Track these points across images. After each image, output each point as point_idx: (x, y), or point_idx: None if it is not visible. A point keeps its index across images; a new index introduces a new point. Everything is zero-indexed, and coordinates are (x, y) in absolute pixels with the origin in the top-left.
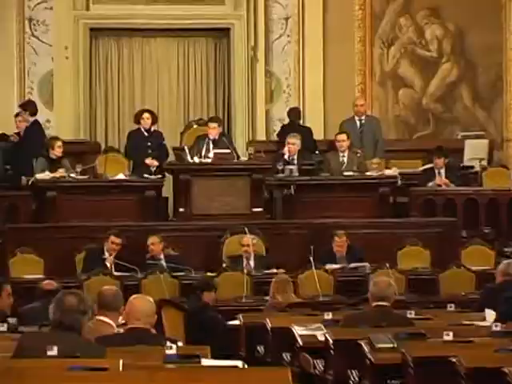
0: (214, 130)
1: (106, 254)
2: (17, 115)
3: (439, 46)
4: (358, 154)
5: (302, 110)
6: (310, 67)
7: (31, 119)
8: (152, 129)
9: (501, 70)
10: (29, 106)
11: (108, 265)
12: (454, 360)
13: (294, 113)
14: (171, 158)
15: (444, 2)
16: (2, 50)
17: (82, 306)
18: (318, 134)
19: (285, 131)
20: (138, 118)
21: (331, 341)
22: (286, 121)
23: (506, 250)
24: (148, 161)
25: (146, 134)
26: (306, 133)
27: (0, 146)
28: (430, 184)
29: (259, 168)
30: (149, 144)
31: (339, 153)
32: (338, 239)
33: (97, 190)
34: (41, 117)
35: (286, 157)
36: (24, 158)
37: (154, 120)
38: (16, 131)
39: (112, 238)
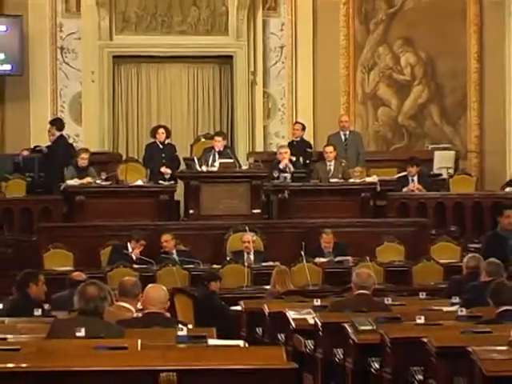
0: (219, 143)
1: (130, 250)
2: (49, 130)
3: (412, 71)
4: (343, 164)
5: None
6: (301, 89)
7: (57, 133)
8: (166, 142)
9: (465, 92)
10: (56, 122)
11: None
12: (425, 340)
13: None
14: (182, 166)
15: (416, 33)
16: (38, 74)
17: (102, 293)
18: None
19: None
20: (154, 132)
21: (320, 324)
22: (281, 135)
23: (469, 245)
24: (162, 169)
25: (161, 146)
26: (306, 146)
27: (35, 156)
28: (405, 189)
29: (258, 175)
30: (163, 155)
31: (327, 162)
32: (325, 236)
33: (118, 194)
34: (71, 131)
35: (281, 166)
36: (53, 167)
37: (168, 134)
38: (49, 144)
39: (141, 241)
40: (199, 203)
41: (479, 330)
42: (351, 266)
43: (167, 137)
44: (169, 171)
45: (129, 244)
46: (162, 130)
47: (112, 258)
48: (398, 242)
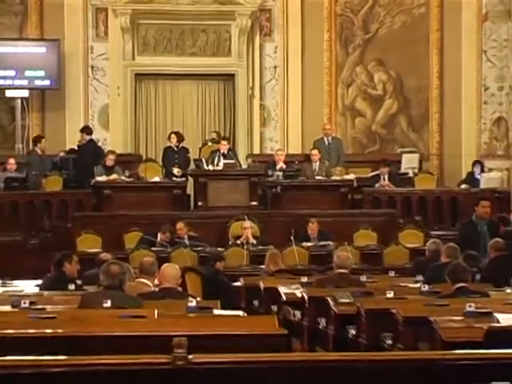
0: (224, 146)
1: (158, 239)
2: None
3: (384, 87)
4: (326, 164)
5: (286, 132)
6: (291, 102)
7: (87, 138)
8: (180, 146)
9: (428, 105)
10: (85, 129)
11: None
12: (394, 311)
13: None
14: (192, 166)
15: (388, 56)
16: (72, 88)
17: (123, 269)
18: (297, 149)
19: None
20: (169, 137)
21: (306, 297)
22: (274, 140)
23: (431, 232)
24: (174, 171)
25: (175, 149)
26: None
27: (69, 157)
28: (377, 185)
29: (255, 174)
30: (176, 156)
31: (312, 163)
32: (311, 225)
33: (139, 188)
34: (100, 136)
35: (277, 167)
36: (84, 166)
37: (180, 139)
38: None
39: (167, 234)
40: (206, 197)
41: (439, 303)
42: (332, 249)
43: (179, 141)
44: (176, 170)
45: (158, 234)
46: (172, 135)
47: (141, 242)
48: (372, 229)
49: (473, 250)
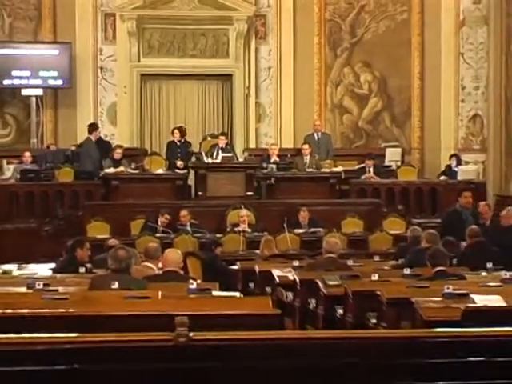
0: (222, 141)
1: (159, 223)
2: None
3: (369, 86)
4: (316, 157)
5: (279, 128)
6: (284, 100)
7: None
8: (183, 140)
9: (410, 103)
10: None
11: (157, 229)
12: (378, 293)
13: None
14: (193, 159)
15: (373, 58)
16: (83, 87)
17: (129, 254)
18: (290, 144)
19: None
20: (172, 132)
21: (298, 279)
22: (269, 135)
23: (413, 220)
24: (178, 164)
25: (178, 143)
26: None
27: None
28: (363, 177)
29: (251, 166)
30: (179, 150)
31: (303, 156)
32: (302, 213)
33: (144, 180)
34: (108, 132)
35: (271, 160)
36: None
37: (182, 134)
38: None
39: (166, 215)
40: (206, 187)
41: (420, 285)
42: (322, 235)
43: (182, 136)
44: (179, 162)
45: (158, 218)
46: (175, 131)
47: (144, 228)
48: (358, 217)
49: (457, 237)
